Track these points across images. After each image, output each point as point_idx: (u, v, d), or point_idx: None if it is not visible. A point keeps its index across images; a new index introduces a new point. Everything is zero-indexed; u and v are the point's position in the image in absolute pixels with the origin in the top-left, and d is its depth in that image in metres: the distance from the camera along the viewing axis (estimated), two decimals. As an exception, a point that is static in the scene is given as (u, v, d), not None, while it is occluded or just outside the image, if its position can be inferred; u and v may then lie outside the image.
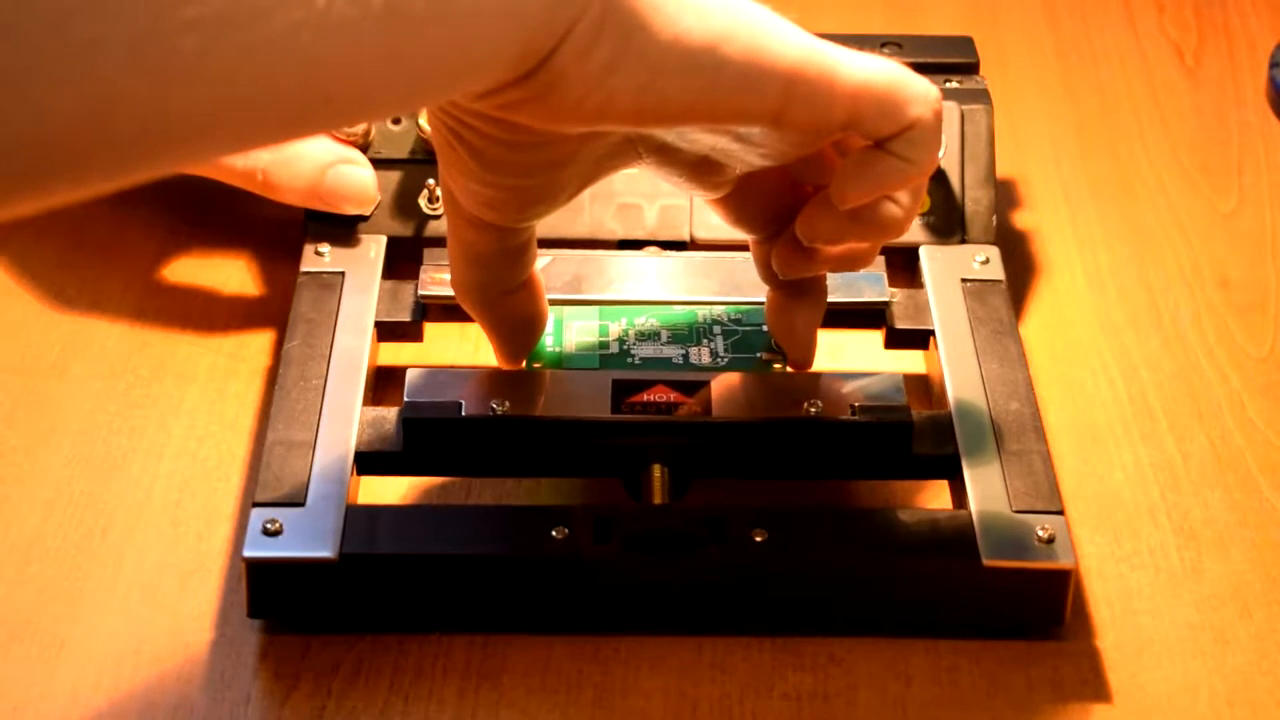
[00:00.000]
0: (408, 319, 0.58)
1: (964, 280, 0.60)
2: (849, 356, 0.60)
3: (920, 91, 0.47)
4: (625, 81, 0.42)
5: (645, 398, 0.53)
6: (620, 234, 0.62)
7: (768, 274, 0.53)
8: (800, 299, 0.54)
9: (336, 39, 0.36)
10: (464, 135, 0.47)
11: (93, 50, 0.32)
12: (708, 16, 0.43)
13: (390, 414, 0.54)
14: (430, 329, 0.59)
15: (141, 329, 0.61)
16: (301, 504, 0.51)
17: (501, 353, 0.54)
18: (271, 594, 0.50)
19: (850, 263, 0.52)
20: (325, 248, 0.60)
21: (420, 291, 0.58)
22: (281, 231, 0.64)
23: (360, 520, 0.50)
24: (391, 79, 0.38)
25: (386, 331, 0.58)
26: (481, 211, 0.49)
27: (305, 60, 0.36)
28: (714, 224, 0.60)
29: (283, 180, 0.60)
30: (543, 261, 0.55)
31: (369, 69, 0.37)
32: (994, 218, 0.62)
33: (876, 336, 0.59)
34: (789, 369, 0.56)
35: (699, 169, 0.50)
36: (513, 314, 0.53)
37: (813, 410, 0.53)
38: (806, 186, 0.51)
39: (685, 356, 0.56)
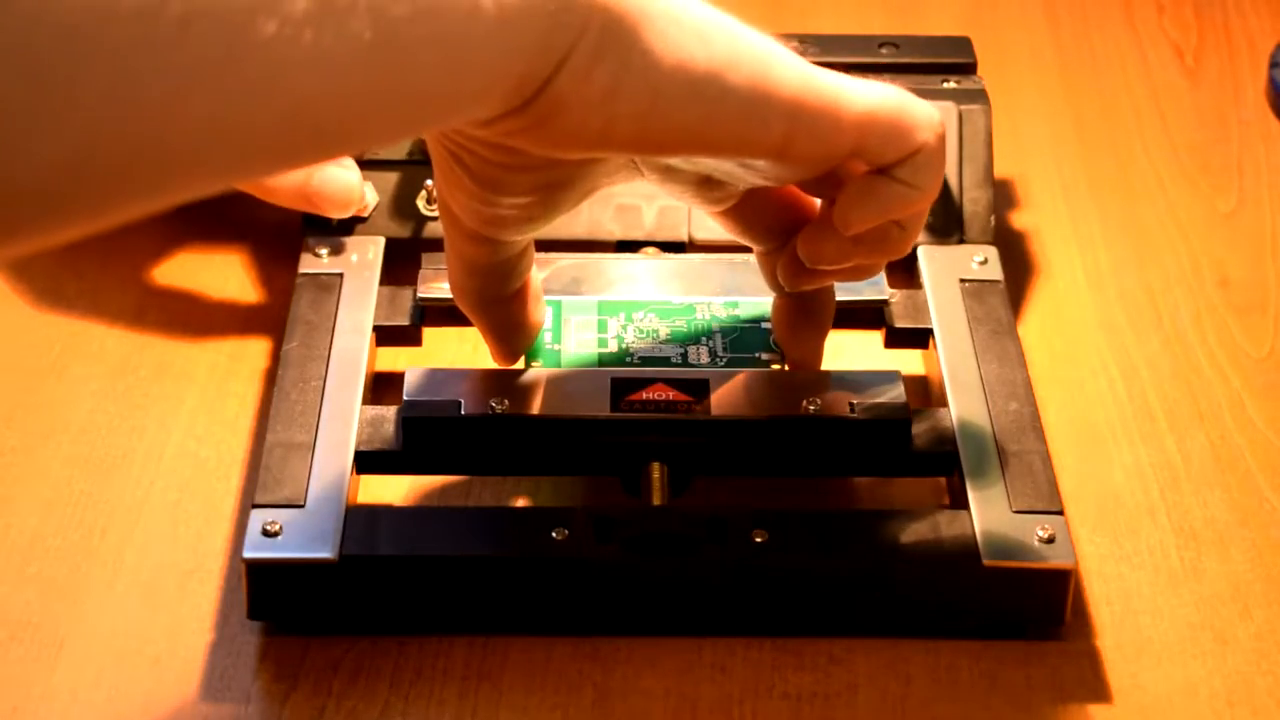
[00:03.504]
0: (406, 323, 0.58)
1: (962, 280, 0.60)
2: (849, 356, 0.60)
3: (924, 117, 0.46)
4: (626, 108, 0.42)
5: (644, 396, 0.53)
6: (618, 235, 0.62)
7: (775, 284, 0.53)
8: (807, 313, 0.54)
9: (325, 74, 0.35)
10: (463, 158, 0.47)
11: (70, 96, 0.32)
12: (711, 44, 0.43)
13: (389, 413, 0.54)
14: (429, 331, 0.59)
15: (141, 329, 0.61)
16: (301, 505, 0.51)
17: (497, 353, 0.54)
18: (271, 595, 0.50)
19: (854, 274, 0.52)
20: (323, 249, 0.60)
21: (419, 295, 0.58)
22: (280, 232, 0.64)
23: (360, 521, 0.50)
24: (383, 111, 0.38)
25: (386, 336, 0.58)
26: (480, 227, 0.49)
27: (292, 96, 0.35)
28: (712, 224, 0.60)
29: (271, 180, 0.60)
30: (542, 274, 0.55)
31: (359, 101, 0.37)
32: (992, 218, 0.62)
33: (876, 336, 0.59)
34: (787, 368, 0.56)
35: (702, 186, 0.50)
36: (510, 317, 0.53)
37: (812, 408, 0.53)
38: (809, 198, 0.51)
39: (684, 355, 0.56)
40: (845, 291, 0.58)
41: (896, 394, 0.54)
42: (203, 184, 0.36)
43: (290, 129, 0.36)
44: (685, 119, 0.43)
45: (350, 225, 0.61)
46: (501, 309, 0.53)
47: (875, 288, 0.59)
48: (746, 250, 0.54)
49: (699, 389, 0.53)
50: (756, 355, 0.56)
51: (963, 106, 0.62)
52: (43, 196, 0.33)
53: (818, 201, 0.51)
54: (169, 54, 0.33)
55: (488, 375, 0.54)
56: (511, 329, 0.53)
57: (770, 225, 0.52)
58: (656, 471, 0.52)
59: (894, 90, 0.46)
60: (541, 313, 0.54)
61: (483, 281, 0.52)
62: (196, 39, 0.33)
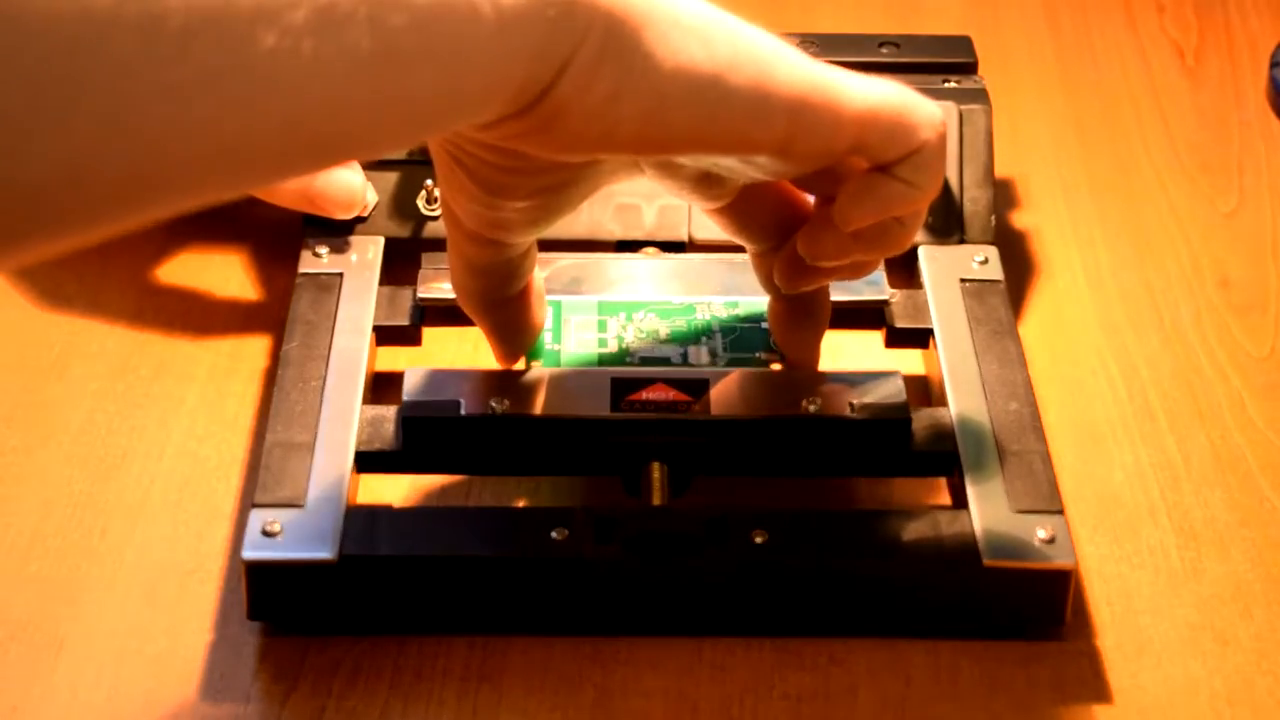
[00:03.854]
0: (406, 323, 0.58)
1: (963, 280, 0.60)
2: (849, 356, 0.60)
3: (926, 115, 0.46)
4: (628, 111, 0.42)
5: (644, 396, 0.53)
6: (618, 234, 0.62)
7: (770, 286, 0.53)
8: (803, 314, 0.54)
9: (326, 83, 0.35)
10: (465, 162, 0.47)
11: (71, 105, 0.32)
12: (712, 45, 0.43)
13: (389, 413, 0.54)
14: (429, 331, 0.59)
15: (141, 329, 0.61)
16: (301, 505, 0.51)
17: (500, 353, 0.54)
18: (271, 595, 0.50)
19: (853, 271, 0.52)
20: (323, 249, 0.60)
21: (419, 294, 0.58)
22: (280, 232, 0.64)
23: (360, 521, 0.50)
24: (384, 119, 0.38)
25: (385, 336, 0.58)
26: (483, 229, 0.49)
27: (293, 106, 0.35)
28: (712, 224, 0.60)
29: None
30: (542, 274, 0.55)
31: (360, 110, 0.37)
32: (992, 218, 0.62)
33: (876, 336, 0.59)
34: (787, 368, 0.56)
35: (700, 182, 0.50)
36: (512, 318, 0.53)
37: (812, 408, 0.53)
38: (805, 198, 0.51)
39: (684, 355, 0.56)
40: (845, 291, 0.58)
41: (896, 394, 0.54)
42: (203, 193, 0.36)
43: (291, 138, 0.36)
44: (688, 120, 0.43)
45: (350, 225, 0.61)
46: (504, 310, 0.53)
47: (875, 288, 0.59)
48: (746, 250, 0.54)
49: (699, 389, 0.53)
50: (756, 355, 0.56)
51: (963, 106, 0.62)
52: (43, 204, 0.33)
53: (812, 199, 0.51)
54: (170, 65, 0.33)
55: (488, 375, 0.54)
56: (514, 330, 0.54)
57: (766, 223, 0.52)
58: (656, 471, 0.52)
59: (896, 87, 0.46)
60: (544, 314, 0.54)
61: (485, 282, 0.52)
62: (197, 50, 0.33)
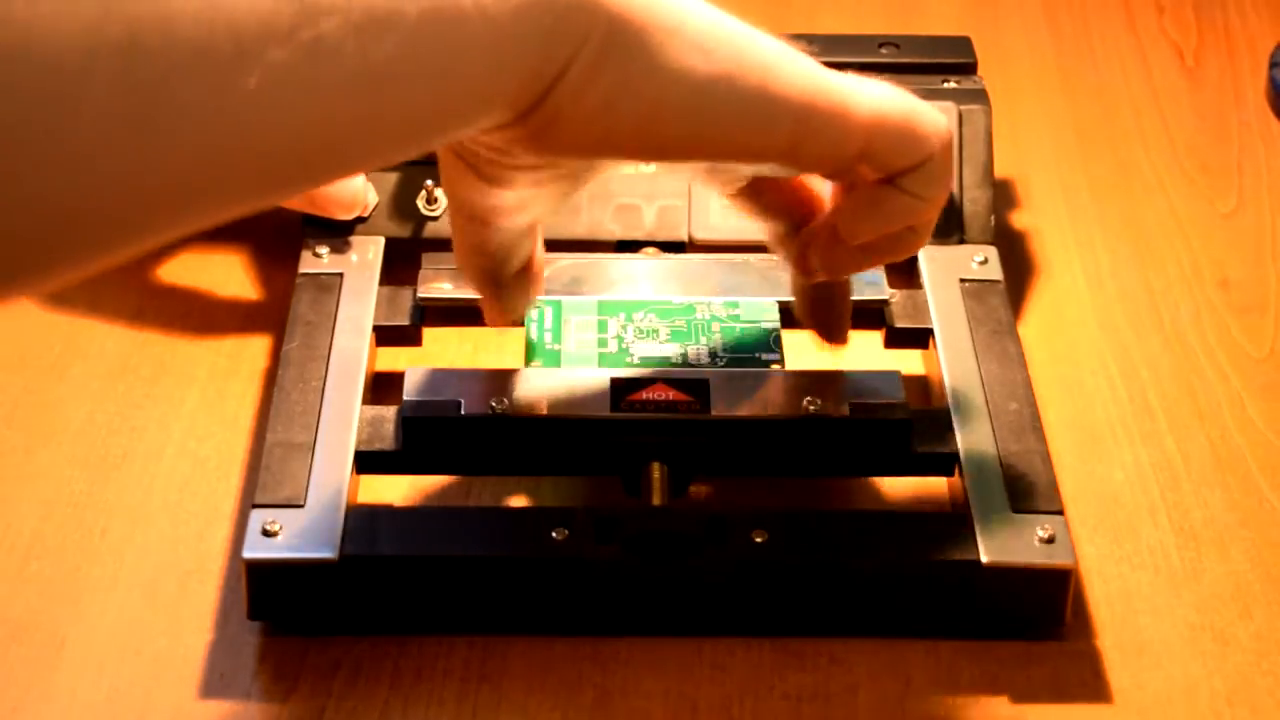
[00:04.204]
0: (406, 323, 0.58)
1: (962, 280, 0.60)
2: (849, 356, 0.60)
3: (933, 125, 0.46)
4: (624, 119, 0.42)
5: (644, 396, 0.53)
6: (619, 234, 0.62)
7: (797, 264, 0.52)
8: (826, 291, 0.53)
9: (310, 105, 0.35)
10: (466, 156, 0.47)
11: (49, 157, 0.32)
12: (713, 52, 0.42)
13: (389, 413, 0.54)
14: (429, 331, 0.59)
15: (141, 329, 0.61)
16: (301, 505, 0.51)
17: (491, 316, 0.53)
18: (271, 595, 0.50)
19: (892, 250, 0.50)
20: (323, 249, 0.60)
21: (419, 294, 0.58)
22: (280, 232, 0.64)
23: (360, 521, 0.50)
24: (376, 141, 0.38)
25: (386, 336, 0.58)
26: (484, 215, 0.49)
27: (277, 129, 0.35)
28: (712, 224, 0.60)
29: None
30: (543, 273, 0.55)
31: (346, 131, 0.37)
32: (992, 218, 0.62)
33: (876, 336, 0.59)
34: (787, 367, 0.56)
35: (711, 170, 0.50)
36: (512, 291, 0.52)
37: (812, 408, 0.53)
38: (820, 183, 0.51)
39: (684, 355, 0.56)
40: (845, 291, 0.58)
41: (896, 394, 0.54)
42: (191, 222, 0.36)
43: (275, 163, 0.36)
44: (686, 127, 0.43)
45: (350, 225, 0.61)
46: (504, 283, 0.52)
47: (875, 288, 0.59)
48: (746, 250, 0.54)
49: (699, 389, 0.53)
50: (756, 355, 0.56)
51: (963, 106, 0.62)
52: (30, 247, 0.33)
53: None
54: (163, 89, 0.33)
55: (488, 375, 0.54)
56: (511, 297, 0.53)
57: (784, 204, 0.51)
58: (656, 471, 0.52)
59: (902, 94, 0.46)
60: (541, 287, 0.53)
61: (489, 260, 0.51)
62: (174, 92, 0.33)
